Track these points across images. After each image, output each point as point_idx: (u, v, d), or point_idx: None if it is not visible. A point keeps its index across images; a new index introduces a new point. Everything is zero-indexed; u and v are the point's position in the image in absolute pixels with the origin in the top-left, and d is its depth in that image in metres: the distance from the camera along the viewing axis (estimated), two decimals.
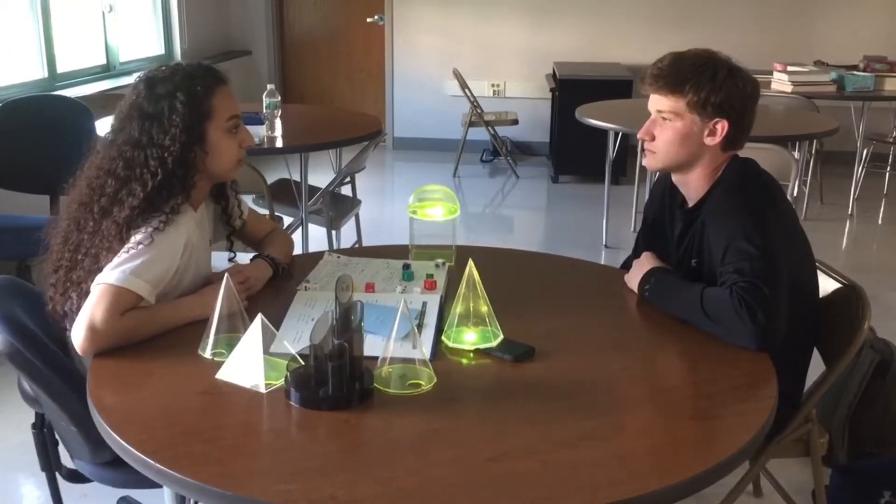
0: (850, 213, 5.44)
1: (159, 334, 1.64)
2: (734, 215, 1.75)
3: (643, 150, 1.89)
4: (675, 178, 1.91)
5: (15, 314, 1.72)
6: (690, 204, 1.90)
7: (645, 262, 1.89)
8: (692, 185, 1.87)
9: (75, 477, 1.83)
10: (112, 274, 1.63)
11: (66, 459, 1.85)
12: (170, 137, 1.71)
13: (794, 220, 1.90)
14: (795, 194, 3.70)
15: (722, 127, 1.78)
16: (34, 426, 1.82)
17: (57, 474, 1.85)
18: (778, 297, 1.64)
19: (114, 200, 1.70)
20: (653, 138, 1.84)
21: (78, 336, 1.58)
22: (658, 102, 1.82)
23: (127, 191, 1.70)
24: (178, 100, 1.71)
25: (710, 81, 1.75)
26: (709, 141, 1.80)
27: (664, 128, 1.82)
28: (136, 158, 1.71)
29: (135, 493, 2.14)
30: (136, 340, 1.62)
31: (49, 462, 1.82)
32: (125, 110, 1.75)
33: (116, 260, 1.65)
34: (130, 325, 1.62)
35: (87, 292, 1.65)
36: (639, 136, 1.88)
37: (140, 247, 1.65)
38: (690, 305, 1.70)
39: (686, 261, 1.89)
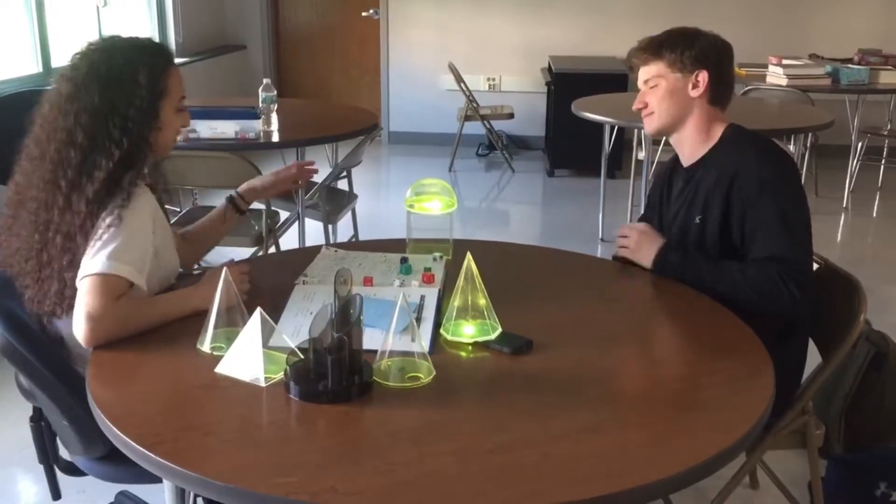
0: (845, 206, 5.45)
1: (160, 326, 1.64)
2: (757, 175, 1.88)
3: (642, 120, 2.05)
4: (672, 139, 2.06)
5: (10, 309, 1.71)
6: (687, 163, 2.04)
7: (653, 236, 2.00)
8: (688, 143, 2.03)
9: (72, 470, 1.84)
10: (93, 264, 1.61)
11: (64, 453, 1.85)
12: (135, 108, 1.69)
13: (796, 174, 2.02)
14: None
15: (703, 77, 1.95)
16: (32, 419, 1.82)
17: (55, 468, 1.85)
18: (809, 264, 1.91)
19: (81, 172, 1.66)
20: (646, 105, 2.02)
21: (79, 329, 1.58)
22: (643, 73, 2.02)
23: (92, 162, 1.66)
24: (141, 73, 1.71)
25: (682, 40, 1.97)
26: (694, 93, 1.96)
27: (653, 93, 2.00)
28: (98, 127, 1.67)
29: (132, 488, 2.15)
30: (137, 331, 1.62)
31: (47, 455, 1.83)
32: (79, 77, 1.69)
33: (91, 250, 1.63)
34: (128, 313, 1.62)
35: (63, 271, 1.64)
36: (634, 107, 2.05)
37: (111, 230, 1.63)
38: (728, 279, 1.86)
39: (687, 216, 1.99)
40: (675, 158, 2.10)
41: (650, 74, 2.00)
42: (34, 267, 1.69)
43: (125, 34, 1.84)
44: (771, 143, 2.01)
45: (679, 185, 2.07)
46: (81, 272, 1.63)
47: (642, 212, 2.28)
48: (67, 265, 1.65)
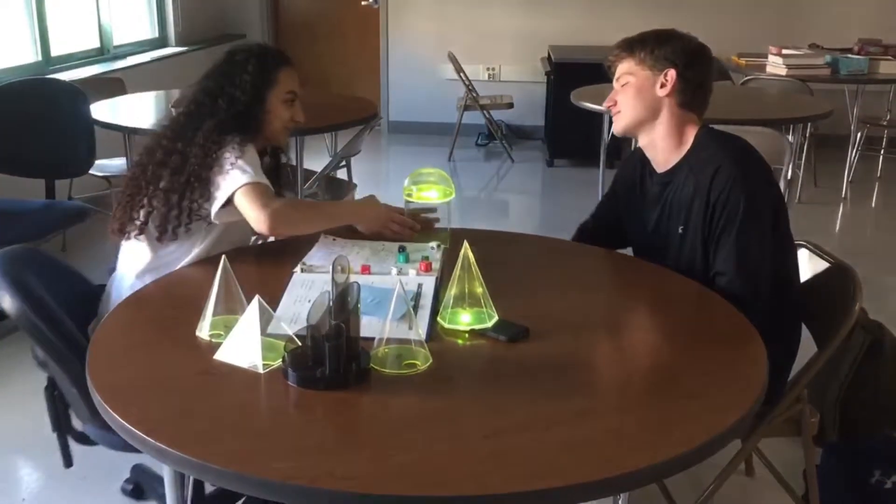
0: (843, 196, 5.46)
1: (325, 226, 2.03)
2: (734, 189, 1.85)
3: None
4: (641, 142, 2.04)
5: (28, 281, 1.78)
6: (660, 170, 2.01)
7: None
8: (659, 148, 1.99)
9: (83, 439, 1.91)
10: (238, 178, 1.92)
11: (77, 423, 1.90)
12: (239, 90, 2.03)
13: (776, 185, 1.98)
14: (789, 177, 3.71)
15: (671, 76, 1.93)
16: (46, 389, 1.88)
17: (67, 437, 1.92)
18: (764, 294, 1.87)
19: (187, 127, 2.00)
20: (615, 104, 2.01)
21: (261, 222, 1.89)
22: (616, 72, 2.01)
23: (200, 121, 2.00)
24: (251, 64, 2.06)
25: (655, 39, 1.97)
26: (661, 92, 1.94)
27: (623, 91, 1.99)
28: (208, 102, 2.03)
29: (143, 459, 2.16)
30: (307, 222, 2.01)
31: (59, 424, 1.90)
32: (208, 71, 2.09)
33: (228, 174, 1.92)
34: (296, 202, 2.00)
35: (151, 196, 1.96)
36: (604, 105, 2.06)
37: (238, 160, 1.93)
38: None
39: (668, 226, 1.98)
40: (644, 156, 2.07)
41: (621, 72, 1.99)
42: (126, 198, 2.01)
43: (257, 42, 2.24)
44: (742, 144, 1.96)
45: (654, 191, 2.04)
46: (229, 188, 1.92)
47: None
48: (178, 197, 1.95)
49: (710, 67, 2.00)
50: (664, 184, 1.99)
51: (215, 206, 1.96)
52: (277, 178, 2.22)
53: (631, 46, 1.97)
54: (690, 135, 1.96)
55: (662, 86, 1.93)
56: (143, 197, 1.99)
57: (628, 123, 2.00)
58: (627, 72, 1.97)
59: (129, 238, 2.02)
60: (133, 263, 2.05)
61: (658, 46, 1.94)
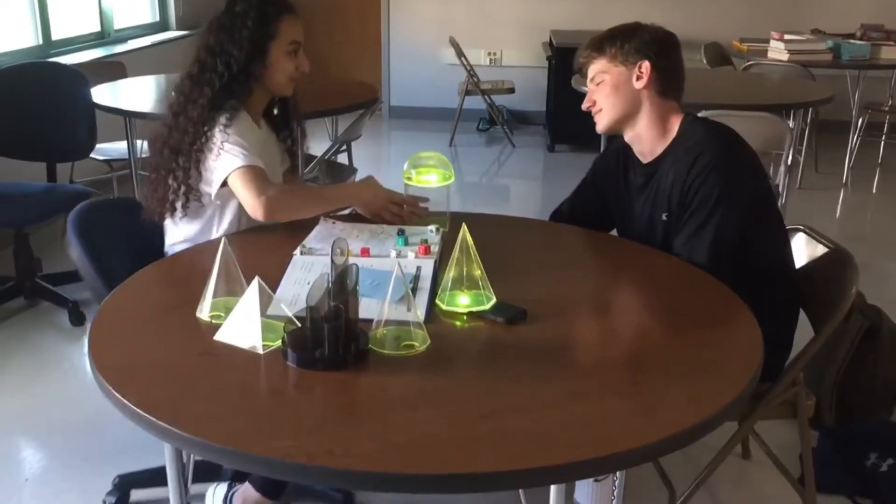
0: (844, 181, 5.46)
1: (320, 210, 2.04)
2: (711, 177, 1.85)
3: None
4: (627, 137, 2.04)
5: (94, 237, 1.96)
6: (646, 160, 2.02)
7: None
8: (644, 139, 2.00)
9: None
10: (232, 161, 1.94)
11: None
12: (236, 47, 2.00)
13: (758, 165, 1.97)
14: (790, 162, 3.71)
15: (646, 68, 1.93)
16: None
17: None
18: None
19: (189, 98, 2.01)
20: (594, 104, 2.01)
21: (257, 210, 1.92)
22: (590, 72, 2.00)
23: (199, 90, 2.00)
24: (250, 17, 2.01)
25: (622, 34, 1.97)
26: (638, 84, 1.95)
27: (600, 89, 1.99)
28: (208, 63, 2.01)
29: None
30: (302, 207, 2.02)
31: None
32: (207, 24, 2.06)
33: (220, 156, 1.95)
34: (290, 188, 1.99)
35: (167, 178, 1.99)
36: (583, 107, 2.04)
37: (228, 138, 1.95)
38: None
39: (652, 215, 1.99)
40: (627, 148, 2.07)
41: (595, 71, 1.98)
42: (150, 179, 2.05)
43: None
44: (727, 132, 1.95)
45: (639, 181, 2.04)
46: (222, 172, 1.95)
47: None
48: (175, 175, 1.98)
49: (679, 53, 2.00)
50: (650, 174, 2.00)
51: (214, 189, 1.99)
52: (287, 126, 2.24)
53: (600, 45, 1.97)
54: (674, 124, 1.97)
55: (639, 78, 1.94)
56: (154, 175, 2.04)
57: (611, 121, 1.99)
58: (601, 70, 1.97)
59: (156, 217, 2.06)
60: (169, 238, 2.13)
61: (627, 41, 1.94)
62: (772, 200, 1.98)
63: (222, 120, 1.98)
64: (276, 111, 2.23)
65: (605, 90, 1.97)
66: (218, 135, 1.97)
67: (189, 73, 2.04)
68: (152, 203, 2.05)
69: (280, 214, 1.97)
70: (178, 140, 1.99)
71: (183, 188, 2.00)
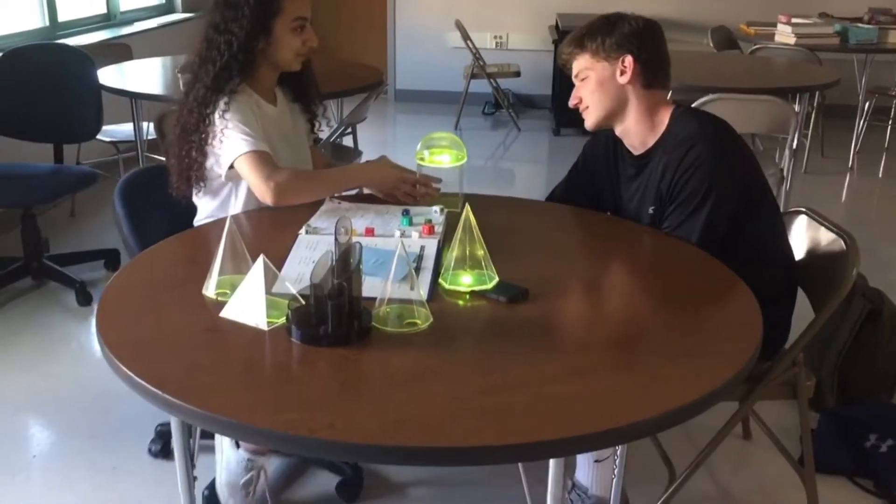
0: (850, 166, 5.45)
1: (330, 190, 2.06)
2: (698, 175, 1.85)
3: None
4: (616, 131, 2.02)
5: (137, 206, 2.08)
6: (637, 152, 2.01)
7: None
8: (633, 133, 1.99)
9: None
10: (237, 146, 1.96)
11: None
12: (238, 25, 2.00)
13: (749, 156, 1.97)
14: (795, 146, 3.71)
15: (628, 62, 1.92)
16: None
17: None
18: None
19: (196, 78, 2.03)
20: (581, 101, 2.00)
21: (266, 195, 1.94)
22: (574, 69, 1.99)
23: (204, 70, 2.02)
24: None
25: (602, 28, 1.94)
26: (623, 79, 1.93)
27: (585, 86, 1.98)
28: (214, 41, 2.02)
29: None
30: (311, 189, 2.02)
31: None
32: (215, 1, 2.05)
33: (224, 141, 1.97)
34: (297, 171, 2.00)
35: (182, 157, 2.02)
36: (570, 104, 2.03)
37: (228, 123, 1.97)
38: None
39: (641, 207, 2.00)
40: (613, 137, 2.06)
41: (579, 68, 1.97)
42: (170, 156, 2.08)
43: None
44: (718, 123, 1.94)
45: (629, 172, 2.04)
46: (228, 157, 1.97)
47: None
48: (185, 154, 2.02)
49: (662, 40, 1.97)
50: (641, 166, 2.00)
51: (223, 171, 2.01)
52: (305, 99, 2.27)
53: (581, 41, 1.95)
54: (664, 115, 1.96)
55: (622, 73, 1.92)
56: (172, 151, 2.08)
57: (598, 118, 1.99)
58: (584, 67, 1.96)
59: (175, 193, 2.09)
60: (198, 213, 2.18)
61: (608, 35, 1.92)
62: (764, 188, 1.97)
63: (221, 105, 1.99)
64: (290, 85, 2.24)
65: (589, 87, 1.96)
66: (218, 121, 1.99)
67: (198, 51, 2.05)
68: (174, 179, 2.08)
69: (289, 199, 1.98)
70: (187, 119, 2.02)
71: (195, 166, 2.03)
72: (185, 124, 2.03)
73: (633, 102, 1.95)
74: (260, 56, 2.06)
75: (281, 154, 2.07)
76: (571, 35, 1.98)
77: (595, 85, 1.95)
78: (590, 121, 2.01)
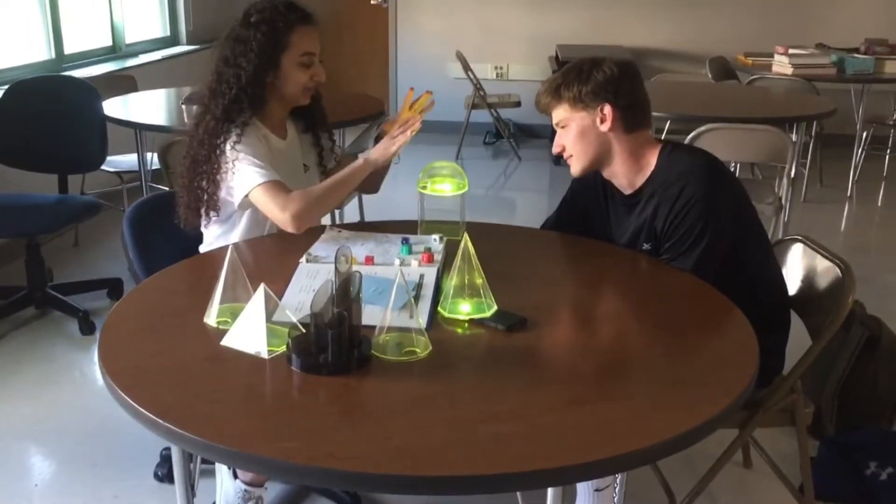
0: (849, 195, 5.48)
1: (341, 195, 2.10)
2: (692, 213, 1.87)
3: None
4: (604, 174, 2.03)
5: (145, 234, 2.12)
6: (626, 192, 2.02)
7: None
8: (622, 175, 1.99)
9: None
10: (251, 178, 1.98)
11: None
12: (246, 59, 2.03)
13: (739, 189, 1.98)
14: (794, 175, 3.74)
15: (608, 111, 1.91)
16: None
17: None
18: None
19: (206, 110, 2.06)
20: (564, 149, 1.99)
21: (286, 226, 1.97)
22: (553, 117, 1.99)
23: (214, 103, 2.05)
24: (261, 29, 2.03)
25: (577, 77, 1.93)
26: (604, 127, 1.93)
27: (566, 135, 1.98)
28: (224, 74, 2.05)
29: None
30: (327, 201, 2.04)
31: None
32: (226, 32, 2.08)
33: (237, 174, 1.99)
34: (308, 190, 2.00)
35: (191, 189, 2.04)
36: (553, 152, 2.03)
37: (241, 154, 1.99)
38: None
39: (634, 243, 2.01)
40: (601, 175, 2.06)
41: (559, 118, 1.97)
42: (179, 186, 2.10)
43: None
44: (707, 160, 1.95)
45: (620, 210, 2.05)
46: (242, 189, 2.00)
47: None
48: (196, 185, 2.04)
49: (640, 83, 1.96)
50: (632, 205, 2.01)
51: (236, 201, 2.05)
52: (313, 131, 2.29)
53: (557, 92, 1.95)
54: (650, 155, 1.96)
55: (602, 121, 1.92)
56: (181, 182, 2.11)
57: (584, 167, 1.99)
58: (564, 117, 1.96)
59: (184, 224, 2.11)
60: (205, 242, 2.19)
61: (584, 85, 1.91)
62: (753, 215, 1.99)
63: (232, 136, 2.02)
64: (300, 117, 2.27)
65: (571, 136, 1.96)
66: (229, 152, 2.01)
67: (209, 84, 2.08)
68: (182, 210, 2.10)
69: (309, 222, 2.00)
70: (197, 151, 2.05)
71: (206, 197, 2.05)
72: (196, 156, 2.05)
73: (616, 148, 1.95)
74: (269, 90, 2.09)
75: (290, 187, 2.09)
76: (547, 84, 1.98)
77: (577, 135, 1.95)
78: (575, 168, 2.01)
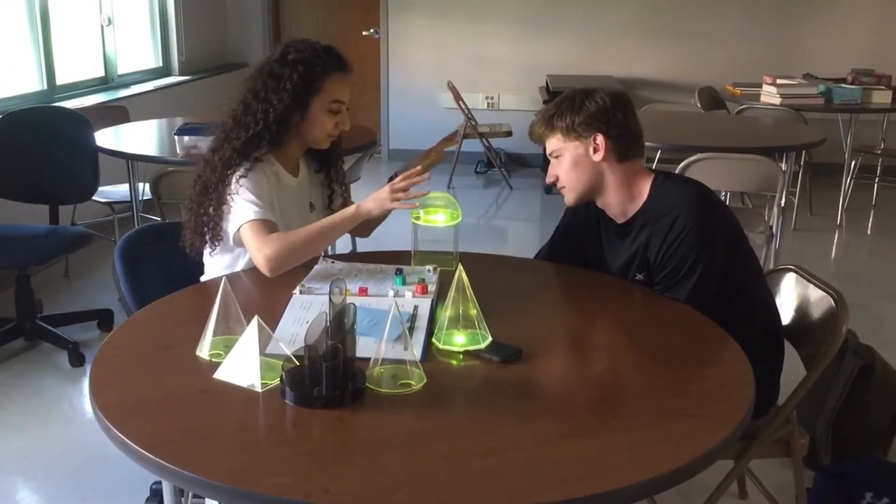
0: (838, 223, 5.51)
1: (321, 245, 2.04)
2: (686, 243, 1.88)
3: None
4: (597, 203, 2.04)
5: (137, 267, 2.10)
6: (619, 221, 2.02)
7: None
8: (614, 204, 2.00)
9: None
10: (243, 214, 1.98)
11: None
12: (278, 98, 2.03)
13: (731, 219, 1.99)
14: (783, 204, 3.76)
15: (600, 141, 1.93)
16: None
17: None
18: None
19: (226, 138, 2.06)
20: (557, 178, 2.01)
21: (263, 267, 1.94)
22: (547, 147, 2.01)
23: (235, 133, 2.05)
24: (298, 69, 2.03)
25: (569, 108, 1.95)
26: (597, 157, 1.94)
27: (560, 165, 1.99)
28: (251, 107, 2.05)
29: None
30: (304, 250, 1.98)
31: None
32: (260, 65, 2.09)
33: (234, 206, 2.00)
34: (287, 235, 1.97)
35: (199, 214, 2.04)
36: (547, 182, 2.05)
37: (242, 188, 2.00)
38: None
39: (627, 273, 2.01)
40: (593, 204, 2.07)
41: (552, 148, 1.98)
42: (187, 211, 2.09)
43: (314, 39, 2.14)
44: (698, 191, 1.96)
45: (612, 239, 2.06)
46: (235, 222, 2.00)
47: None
48: (203, 211, 2.04)
49: (632, 112, 1.98)
50: (624, 234, 2.02)
51: (231, 232, 2.05)
52: (327, 170, 2.29)
53: (551, 122, 1.96)
54: (643, 185, 1.97)
55: (595, 151, 1.93)
56: (190, 207, 2.10)
57: (577, 197, 2.00)
58: (557, 147, 1.97)
59: (189, 249, 2.11)
60: (206, 272, 2.19)
61: (576, 115, 1.92)
62: (745, 247, 1.99)
63: (241, 170, 2.02)
64: (314, 157, 2.27)
65: (564, 166, 1.97)
66: (233, 184, 2.02)
67: (234, 112, 2.08)
68: (188, 234, 2.09)
69: (282, 267, 1.95)
70: (209, 177, 2.05)
71: (211, 223, 2.05)
72: (207, 181, 2.06)
73: (609, 177, 1.96)
74: (292, 130, 2.09)
75: (294, 225, 2.08)
76: (541, 114, 1.99)
77: (570, 165, 1.96)
78: (569, 198, 2.02)
